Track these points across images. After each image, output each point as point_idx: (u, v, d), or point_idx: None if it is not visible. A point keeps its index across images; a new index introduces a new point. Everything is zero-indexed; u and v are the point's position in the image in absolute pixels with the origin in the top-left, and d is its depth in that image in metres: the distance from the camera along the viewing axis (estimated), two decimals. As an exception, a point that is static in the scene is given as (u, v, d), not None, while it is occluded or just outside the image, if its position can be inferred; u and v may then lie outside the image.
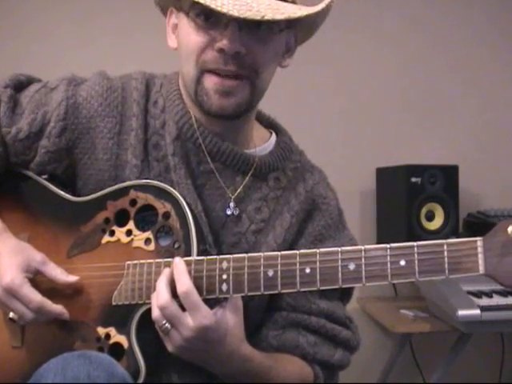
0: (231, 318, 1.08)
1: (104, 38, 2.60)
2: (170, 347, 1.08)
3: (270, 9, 1.09)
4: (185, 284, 1.05)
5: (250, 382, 1.16)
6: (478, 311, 2.04)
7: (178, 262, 1.08)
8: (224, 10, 1.06)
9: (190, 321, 1.04)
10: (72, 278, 1.17)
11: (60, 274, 1.16)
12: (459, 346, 2.27)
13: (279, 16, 1.09)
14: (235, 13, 1.06)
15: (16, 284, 1.12)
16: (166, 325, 1.06)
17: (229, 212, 1.24)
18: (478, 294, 2.14)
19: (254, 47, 1.14)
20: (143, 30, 2.53)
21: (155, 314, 1.07)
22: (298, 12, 1.12)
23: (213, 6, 1.07)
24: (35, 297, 1.13)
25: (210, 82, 1.15)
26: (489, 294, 2.15)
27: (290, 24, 1.19)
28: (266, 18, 1.07)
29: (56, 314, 1.15)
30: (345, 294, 1.31)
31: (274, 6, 1.10)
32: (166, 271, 1.08)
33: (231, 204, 1.24)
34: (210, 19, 1.13)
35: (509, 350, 2.73)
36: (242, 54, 1.13)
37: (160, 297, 1.06)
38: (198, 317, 1.04)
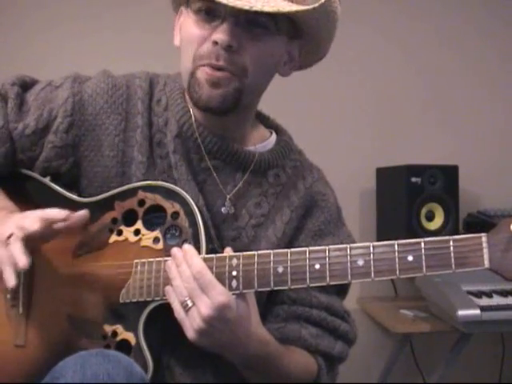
0: (248, 298, 1.09)
1: (104, 34, 2.60)
2: (190, 333, 1.07)
3: (262, 2, 1.10)
4: (198, 264, 1.07)
5: (267, 368, 1.16)
6: (478, 311, 2.05)
7: (188, 247, 1.10)
8: None
9: (207, 299, 1.05)
10: (83, 212, 1.16)
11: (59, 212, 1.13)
12: (459, 346, 2.28)
13: (268, 8, 1.10)
14: (223, 1, 1.08)
15: (19, 217, 1.12)
16: (188, 301, 1.06)
17: (224, 211, 1.25)
18: (478, 294, 2.15)
19: (248, 44, 1.15)
20: (144, 27, 2.55)
21: (180, 288, 1.07)
22: (288, 7, 1.12)
23: None
24: (36, 213, 1.11)
25: (203, 72, 1.16)
26: (489, 294, 2.15)
27: (293, 31, 1.21)
28: (254, 8, 1.08)
29: (54, 215, 1.12)
30: (341, 290, 1.32)
31: (272, 2, 1.11)
32: (178, 256, 1.09)
33: (226, 203, 1.25)
34: (210, 14, 1.16)
35: (509, 350, 2.73)
36: (234, 49, 1.14)
37: (184, 272, 1.07)
38: (214, 294, 1.05)
